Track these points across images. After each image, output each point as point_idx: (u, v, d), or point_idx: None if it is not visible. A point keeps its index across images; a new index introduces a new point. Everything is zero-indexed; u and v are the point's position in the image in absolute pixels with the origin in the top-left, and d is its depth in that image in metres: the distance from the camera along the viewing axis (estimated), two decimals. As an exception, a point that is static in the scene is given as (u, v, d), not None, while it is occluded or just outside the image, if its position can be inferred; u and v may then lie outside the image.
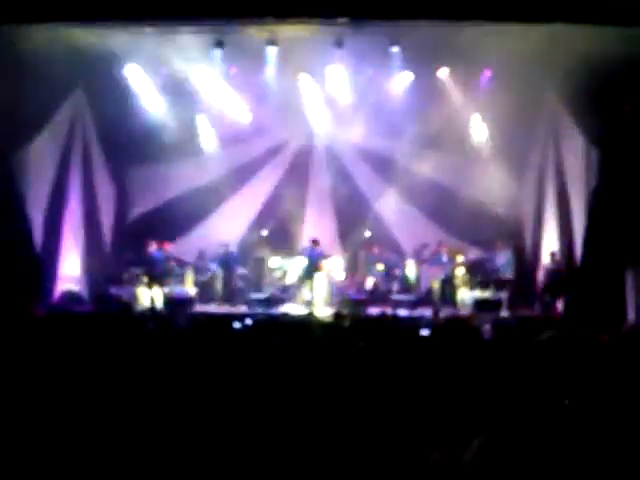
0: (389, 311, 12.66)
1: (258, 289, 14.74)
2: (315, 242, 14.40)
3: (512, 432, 2.86)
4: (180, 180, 15.49)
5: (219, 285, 14.82)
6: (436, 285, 14.73)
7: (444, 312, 12.87)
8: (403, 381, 4.25)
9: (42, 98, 11.74)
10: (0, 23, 10.39)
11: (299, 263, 14.65)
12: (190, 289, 14.49)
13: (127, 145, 14.87)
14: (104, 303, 13.03)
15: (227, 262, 14.89)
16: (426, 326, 7.12)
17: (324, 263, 14.37)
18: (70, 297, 13.24)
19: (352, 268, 15.35)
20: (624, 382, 3.94)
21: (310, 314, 11.25)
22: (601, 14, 9.14)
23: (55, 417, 3.67)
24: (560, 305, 13.32)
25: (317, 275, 14.26)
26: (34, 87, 11.35)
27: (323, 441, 3.40)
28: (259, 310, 13.04)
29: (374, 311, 12.51)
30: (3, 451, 3.31)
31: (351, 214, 15.93)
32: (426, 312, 13.22)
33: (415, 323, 7.98)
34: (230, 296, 14.62)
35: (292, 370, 4.55)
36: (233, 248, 15.26)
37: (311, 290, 14.21)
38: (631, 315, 11.23)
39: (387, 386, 4.12)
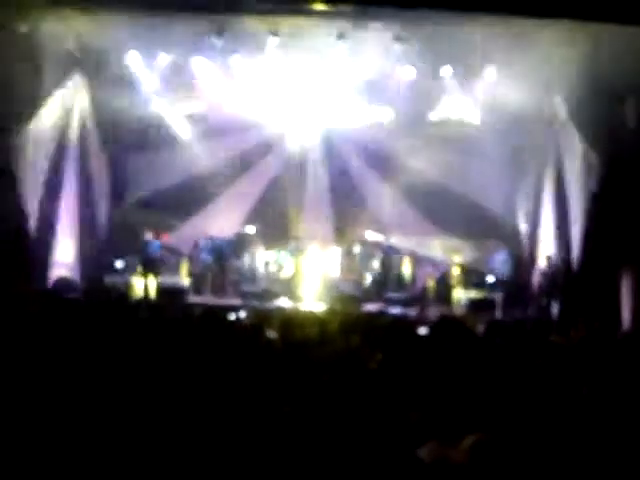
0: (383, 309, 12.71)
1: (253, 282, 14.67)
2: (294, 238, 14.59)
3: (506, 431, 2.82)
4: (177, 169, 15.39)
5: (210, 277, 14.75)
6: (431, 284, 14.70)
7: (436, 311, 12.87)
8: (394, 377, 4.21)
9: (40, 82, 11.67)
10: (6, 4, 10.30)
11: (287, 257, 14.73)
12: (184, 280, 14.42)
13: (124, 132, 14.81)
14: (97, 291, 12.95)
15: (219, 253, 14.83)
16: (416, 324, 7.10)
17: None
18: (63, 284, 13.15)
19: (347, 264, 15.27)
20: (618, 383, 3.91)
21: (304, 309, 11.22)
22: (610, 12, 9.06)
23: (47, 403, 3.63)
24: (555, 308, 13.29)
25: (309, 269, 14.29)
26: (32, 71, 11.27)
27: (314, 435, 3.36)
28: (253, 303, 12.98)
29: (368, 308, 12.51)
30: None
31: (348, 209, 15.88)
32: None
33: (407, 321, 7.94)
34: (220, 288, 14.54)
35: (284, 365, 4.51)
36: (227, 239, 15.22)
37: (301, 284, 14.22)
38: (626, 320, 11.21)
39: (380, 383, 4.08)
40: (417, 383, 4.07)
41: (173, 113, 14.98)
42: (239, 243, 15.26)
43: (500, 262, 14.89)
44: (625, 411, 3.48)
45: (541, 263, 14.18)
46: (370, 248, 15.38)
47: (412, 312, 12.95)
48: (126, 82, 13.92)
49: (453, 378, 4.09)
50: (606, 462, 2.81)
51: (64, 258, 13.70)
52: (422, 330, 6.11)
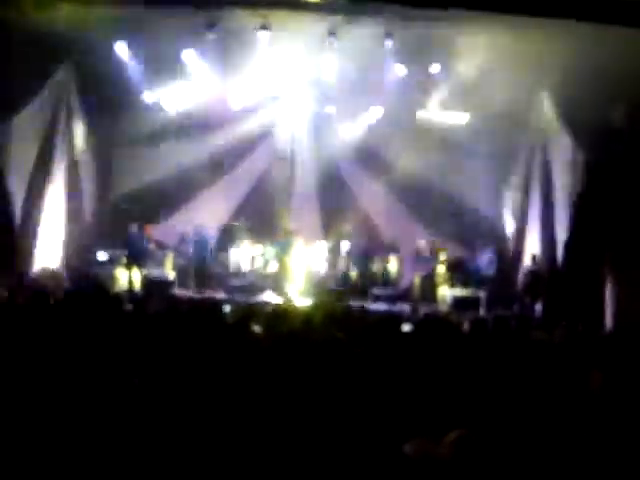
0: (368, 305, 12.75)
1: (238, 276, 14.66)
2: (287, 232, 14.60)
3: (491, 427, 2.84)
4: (165, 162, 15.35)
5: (192, 269, 14.72)
6: (417, 281, 14.74)
7: (423, 308, 12.94)
8: (380, 374, 4.23)
9: (28, 72, 11.58)
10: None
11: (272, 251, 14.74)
12: (169, 272, 14.38)
13: (113, 124, 14.75)
14: (82, 282, 12.91)
15: (204, 246, 14.82)
16: (406, 321, 7.13)
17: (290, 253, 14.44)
18: (48, 275, 13.09)
19: (334, 259, 15.29)
20: (604, 382, 3.95)
21: (290, 304, 11.20)
22: (599, 13, 9.12)
23: (33, 395, 3.62)
24: (539, 307, 13.38)
25: (296, 264, 14.31)
26: (21, 61, 11.18)
27: (299, 430, 3.37)
28: (239, 297, 12.97)
29: (354, 304, 12.51)
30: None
31: (335, 205, 15.90)
32: (406, 307, 13.27)
33: (395, 317, 7.95)
34: (203, 281, 14.50)
35: (269, 359, 4.52)
36: (211, 232, 15.19)
37: (288, 279, 14.24)
38: (609, 319, 11.30)
39: (365, 378, 4.09)
40: (402, 379, 4.08)
41: (162, 106, 14.91)
42: (225, 237, 15.24)
43: (485, 260, 14.95)
44: (608, 408, 3.51)
45: (526, 261, 14.27)
46: (357, 244, 15.42)
47: (397, 308, 13.01)
48: (115, 74, 13.85)
49: (438, 374, 4.12)
50: (588, 457, 2.84)
51: (50, 250, 13.63)
52: (406, 327, 6.12)
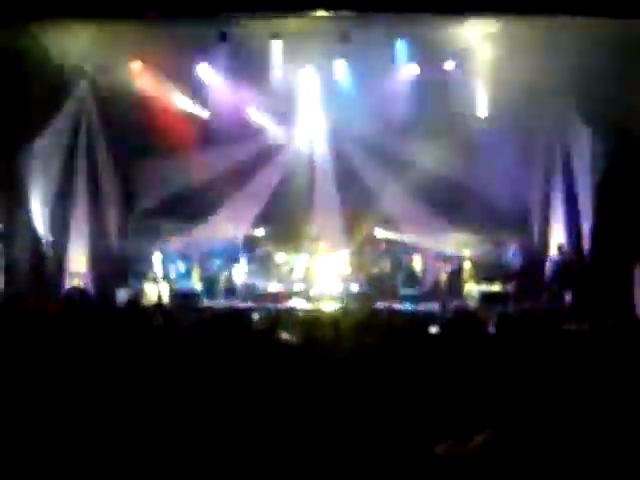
0: (396, 306, 12.75)
1: (265, 284, 14.72)
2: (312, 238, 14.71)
3: (518, 427, 2.85)
4: (185, 175, 15.44)
5: (223, 280, 14.80)
6: (443, 279, 14.68)
7: (452, 305, 12.91)
8: (411, 376, 4.24)
9: (47, 93, 11.78)
10: (7, 21, 10.40)
11: (303, 259, 14.75)
12: (196, 284, 14.48)
13: (132, 140, 14.90)
14: (110, 299, 13.04)
15: (231, 257, 14.89)
16: (435, 320, 7.12)
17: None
18: (77, 293, 13.23)
19: (359, 262, 15.28)
20: (629, 377, 3.92)
21: (317, 309, 11.25)
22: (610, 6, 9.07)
23: (60, 414, 3.68)
24: (568, 297, 13.26)
25: (322, 269, 14.35)
26: (39, 82, 11.37)
27: (330, 439, 3.39)
28: (266, 305, 13.03)
29: (381, 305, 12.53)
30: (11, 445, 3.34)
31: (357, 208, 15.87)
32: (433, 306, 13.25)
33: (422, 320, 7.96)
34: (233, 291, 14.59)
35: (299, 366, 4.54)
36: (237, 242, 15.28)
37: (314, 284, 14.28)
38: (638, 308, 11.19)
39: (395, 382, 4.11)
40: (431, 381, 4.09)
41: (179, 120, 15.03)
42: (249, 246, 15.33)
43: (512, 254, 14.85)
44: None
45: (552, 252, 14.15)
46: (380, 246, 15.39)
47: (423, 308, 12.99)
48: (132, 89, 14.01)
49: (466, 374, 4.12)
50: (621, 458, 2.81)
51: (77, 268, 13.80)
52: (433, 329, 6.11)
